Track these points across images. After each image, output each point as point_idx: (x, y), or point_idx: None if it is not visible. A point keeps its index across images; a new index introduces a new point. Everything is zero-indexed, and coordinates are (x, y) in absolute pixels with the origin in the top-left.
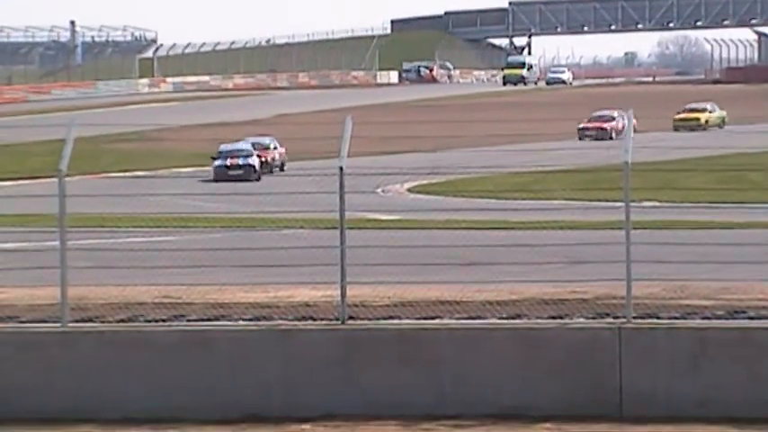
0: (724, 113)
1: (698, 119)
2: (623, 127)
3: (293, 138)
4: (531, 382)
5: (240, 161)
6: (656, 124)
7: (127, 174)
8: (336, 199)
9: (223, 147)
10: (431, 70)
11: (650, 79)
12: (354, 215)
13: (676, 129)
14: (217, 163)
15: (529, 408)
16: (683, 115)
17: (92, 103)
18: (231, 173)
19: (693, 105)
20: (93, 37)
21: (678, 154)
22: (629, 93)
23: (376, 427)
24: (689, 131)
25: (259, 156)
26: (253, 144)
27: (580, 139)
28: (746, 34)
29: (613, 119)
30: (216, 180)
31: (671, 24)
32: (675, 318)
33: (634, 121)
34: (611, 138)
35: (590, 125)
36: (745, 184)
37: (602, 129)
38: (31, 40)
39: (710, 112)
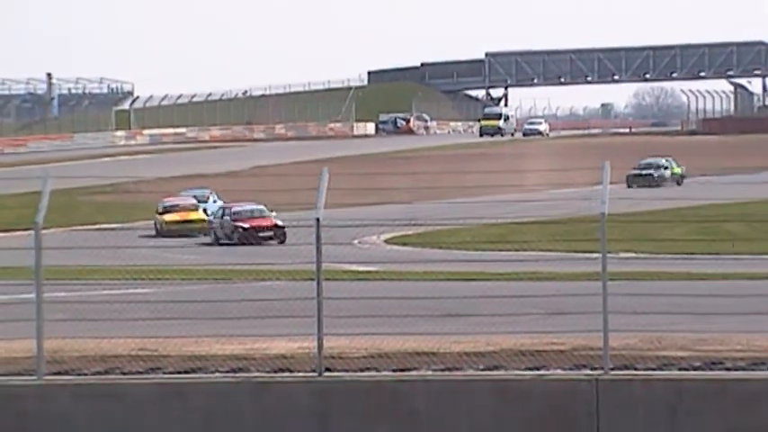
0: None
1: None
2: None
3: (270, 189)
4: None
5: None
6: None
7: (103, 226)
8: (313, 250)
9: None
10: (407, 121)
11: (627, 130)
12: (331, 266)
13: None
14: None
15: None
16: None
17: (68, 155)
18: None
19: None
20: (69, 89)
21: (655, 205)
22: (606, 144)
23: None
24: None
25: None
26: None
27: None
28: (723, 86)
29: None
30: None
31: (647, 76)
32: (652, 369)
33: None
34: None
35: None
36: (721, 235)
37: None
38: (7, 92)
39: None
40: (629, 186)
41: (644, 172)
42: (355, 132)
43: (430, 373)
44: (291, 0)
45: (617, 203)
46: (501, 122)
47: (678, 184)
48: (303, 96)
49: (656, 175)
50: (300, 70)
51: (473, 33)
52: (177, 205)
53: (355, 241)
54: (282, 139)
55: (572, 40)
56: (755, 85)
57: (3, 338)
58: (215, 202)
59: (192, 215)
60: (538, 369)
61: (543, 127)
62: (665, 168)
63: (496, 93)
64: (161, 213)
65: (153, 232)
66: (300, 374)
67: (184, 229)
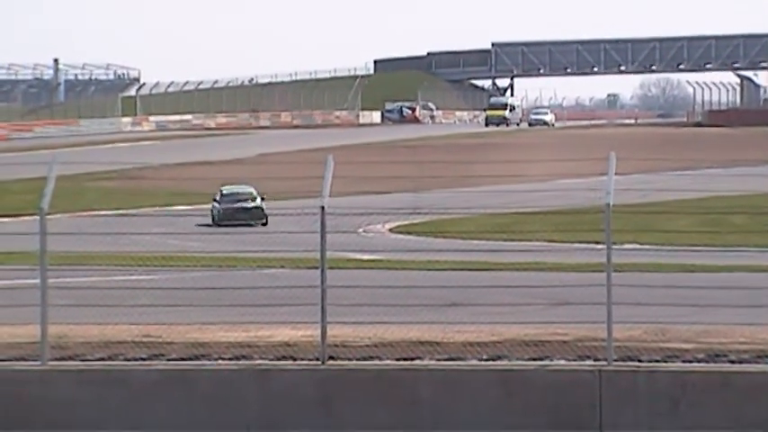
0: None
1: None
2: None
3: (275, 177)
4: (512, 424)
5: None
6: (637, 166)
7: (108, 212)
8: (317, 238)
9: None
10: (413, 110)
11: (632, 121)
12: (336, 255)
13: None
14: None
15: None
16: None
17: (74, 141)
18: None
19: None
20: (76, 75)
21: (660, 196)
22: (612, 135)
23: None
24: None
25: None
26: None
27: None
28: (729, 78)
29: None
30: None
31: (653, 67)
32: (656, 361)
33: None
34: None
35: None
36: (727, 227)
37: None
38: (13, 77)
39: None
40: (219, 223)
41: (248, 205)
42: (361, 121)
43: (433, 362)
44: None
45: (623, 194)
46: (507, 112)
47: (264, 224)
48: (309, 84)
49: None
50: (307, 58)
51: (480, 23)
52: None
53: (360, 230)
54: (288, 127)
55: (578, 30)
56: (762, 77)
57: (7, 323)
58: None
59: None
60: (541, 359)
61: (549, 117)
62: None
63: (502, 82)
64: None
65: None
66: (304, 362)
67: None
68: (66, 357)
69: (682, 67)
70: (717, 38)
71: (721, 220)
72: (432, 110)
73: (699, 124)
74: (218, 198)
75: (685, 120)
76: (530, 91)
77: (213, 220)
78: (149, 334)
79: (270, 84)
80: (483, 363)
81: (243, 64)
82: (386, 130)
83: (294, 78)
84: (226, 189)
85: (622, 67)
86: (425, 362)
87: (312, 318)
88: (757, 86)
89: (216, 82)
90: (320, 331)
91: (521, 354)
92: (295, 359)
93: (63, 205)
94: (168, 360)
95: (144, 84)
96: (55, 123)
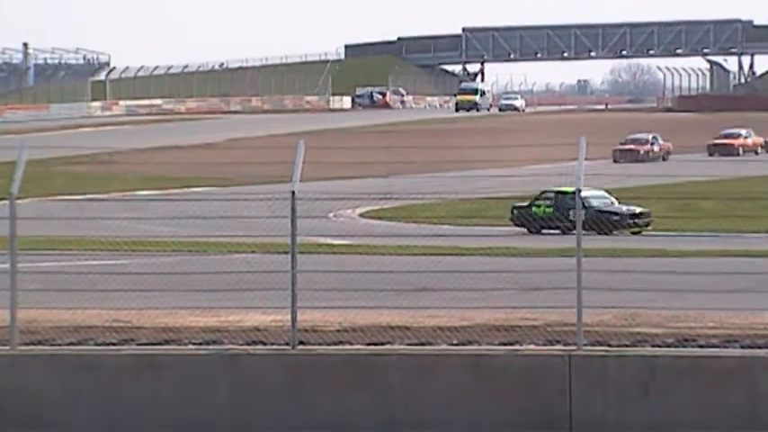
0: None
1: None
2: None
3: (245, 162)
4: (482, 408)
5: None
6: (607, 152)
7: (78, 197)
8: (288, 223)
9: None
10: (384, 95)
11: (603, 107)
12: (306, 240)
13: None
14: None
15: None
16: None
17: (44, 125)
18: None
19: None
20: (45, 59)
21: (630, 182)
22: (582, 120)
23: None
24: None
25: None
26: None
27: None
28: (699, 63)
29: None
30: None
31: (624, 52)
32: (626, 345)
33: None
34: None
35: None
36: (697, 213)
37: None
38: None
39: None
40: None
41: (638, 210)
42: (331, 106)
43: (404, 347)
44: None
45: (593, 179)
46: (477, 97)
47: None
48: (280, 69)
49: None
50: (278, 43)
51: (450, 8)
52: None
53: (330, 215)
54: (259, 111)
55: (549, 15)
56: (731, 62)
57: None
58: None
59: None
60: (512, 344)
61: (519, 102)
62: None
63: (473, 68)
64: None
65: None
66: (274, 347)
67: None
68: (35, 342)
69: (652, 52)
70: (687, 23)
71: (692, 206)
72: (402, 95)
73: (669, 110)
74: (584, 202)
75: (655, 105)
76: (500, 76)
77: (535, 227)
78: (119, 319)
79: (240, 68)
80: (453, 348)
81: (213, 48)
82: (356, 115)
83: (265, 63)
84: (586, 191)
85: (593, 53)
86: (396, 346)
87: (282, 303)
88: (727, 72)
89: (186, 66)
90: (290, 316)
91: (491, 339)
92: (265, 344)
93: (33, 190)
94: (138, 345)
95: (114, 68)
96: (24, 108)
